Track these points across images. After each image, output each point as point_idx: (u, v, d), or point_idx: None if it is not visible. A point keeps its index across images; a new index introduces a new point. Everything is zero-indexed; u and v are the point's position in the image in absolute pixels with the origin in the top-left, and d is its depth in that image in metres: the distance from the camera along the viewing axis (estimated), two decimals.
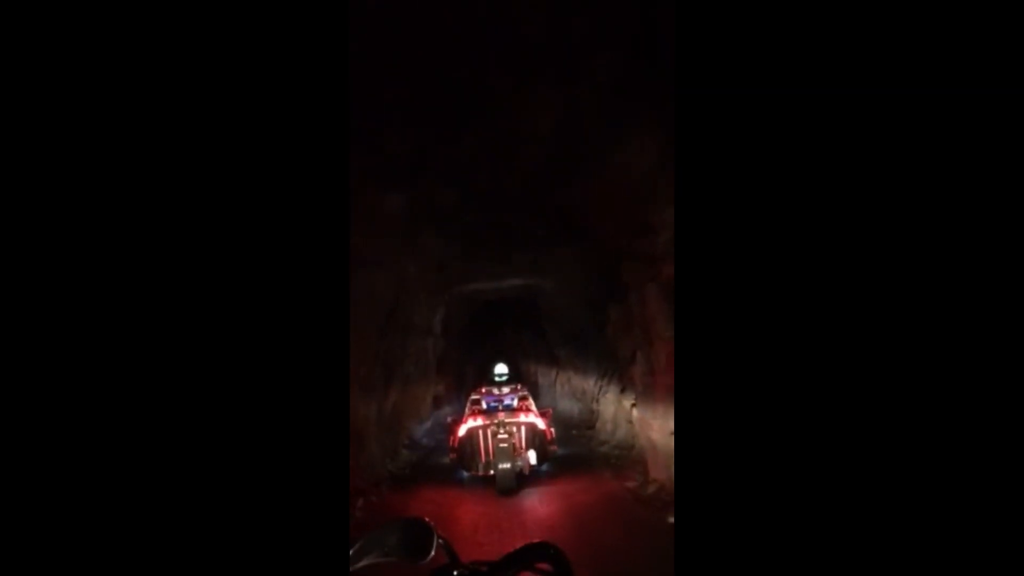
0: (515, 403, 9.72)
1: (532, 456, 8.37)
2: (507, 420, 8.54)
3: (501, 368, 15.82)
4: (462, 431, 8.70)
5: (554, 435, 9.08)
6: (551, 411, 10.13)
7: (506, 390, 10.47)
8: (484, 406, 9.71)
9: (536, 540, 1.29)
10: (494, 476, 8.00)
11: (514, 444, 8.25)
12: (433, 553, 1.26)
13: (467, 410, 9.68)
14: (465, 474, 8.63)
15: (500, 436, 8.20)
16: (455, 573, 1.25)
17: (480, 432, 8.43)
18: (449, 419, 10.67)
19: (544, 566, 1.23)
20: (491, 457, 8.21)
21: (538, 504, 7.38)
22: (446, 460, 9.34)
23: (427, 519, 1.32)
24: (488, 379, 11.99)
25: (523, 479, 8.18)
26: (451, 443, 9.06)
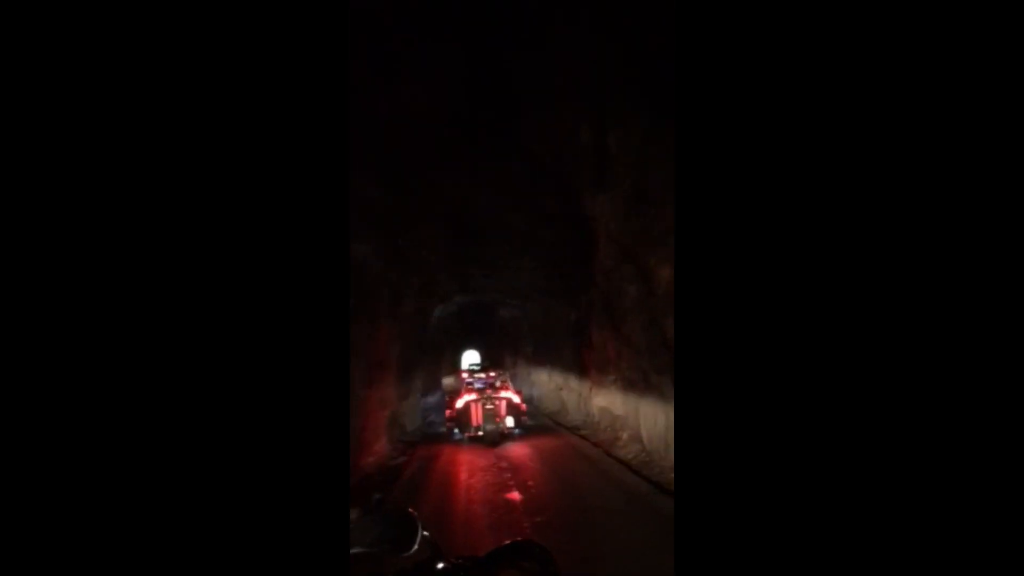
0: (498, 383, 13.72)
1: (510, 421, 12.31)
2: (492, 395, 12.54)
3: (473, 358, 18.88)
4: (459, 404, 12.57)
5: (526, 408, 13.23)
6: (522, 391, 14.76)
7: (493, 374, 14.42)
8: (476, 386, 13.44)
9: (520, 539, 1.32)
10: (482, 435, 11.86)
11: (497, 412, 12.14)
12: (416, 547, 1.25)
13: (463, 389, 13.50)
14: (459, 434, 12.47)
15: (487, 407, 12.07)
16: (439, 567, 1.23)
17: (472, 404, 12.25)
18: (447, 397, 14.75)
19: (529, 564, 1.24)
20: (480, 422, 11.99)
21: (515, 449, 11.38)
22: (443, 429, 13.41)
23: (412, 511, 1.32)
24: (467, 367, 16.21)
25: (504, 437, 12.03)
26: (448, 414, 13.02)
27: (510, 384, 14.01)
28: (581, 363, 12.70)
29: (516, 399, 12.63)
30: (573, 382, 13.78)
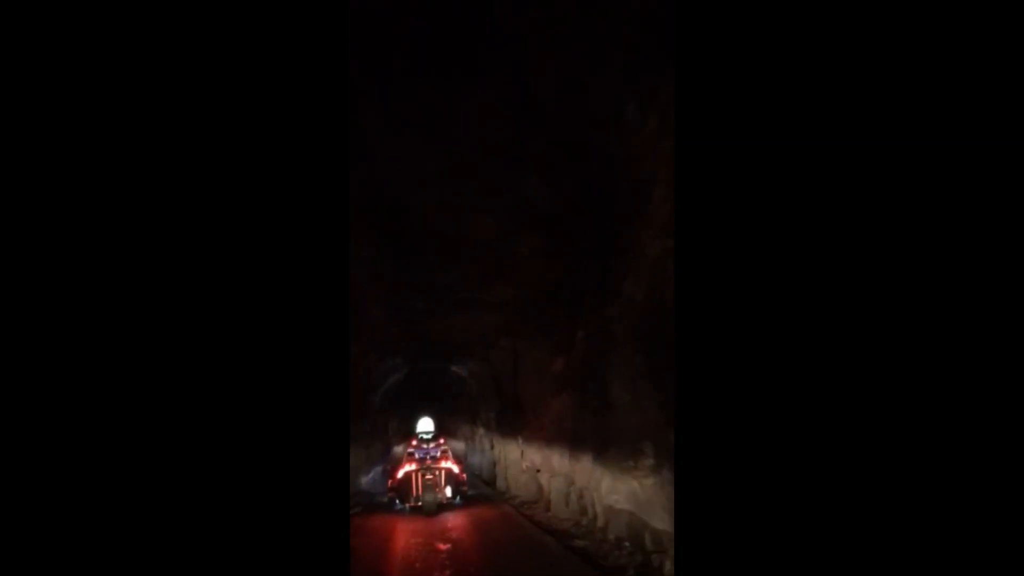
0: (438, 454, 13.03)
1: (449, 491, 12.09)
2: (432, 466, 12.23)
3: (427, 425, 17.06)
4: (400, 474, 12.19)
5: (466, 478, 12.91)
6: (463, 462, 13.96)
7: (432, 445, 13.76)
8: (417, 456, 12.90)
9: None
10: (421, 505, 11.45)
11: (437, 482, 11.86)
12: None
13: (404, 459, 13.05)
14: (399, 504, 11.96)
15: (427, 477, 11.83)
16: None
17: (413, 475, 11.94)
18: (389, 467, 14.16)
19: None
20: (420, 492, 11.65)
21: (452, 519, 10.71)
22: (384, 500, 12.73)
23: None
24: (416, 434, 15.26)
25: (442, 507, 11.69)
26: (389, 484, 12.57)
27: (450, 455, 13.57)
28: (576, 434, 8.65)
29: (456, 469, 12.66)
30: (560, 462, 9.53)
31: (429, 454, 13.08)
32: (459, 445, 17.15)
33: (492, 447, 15.39)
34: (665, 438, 5.68)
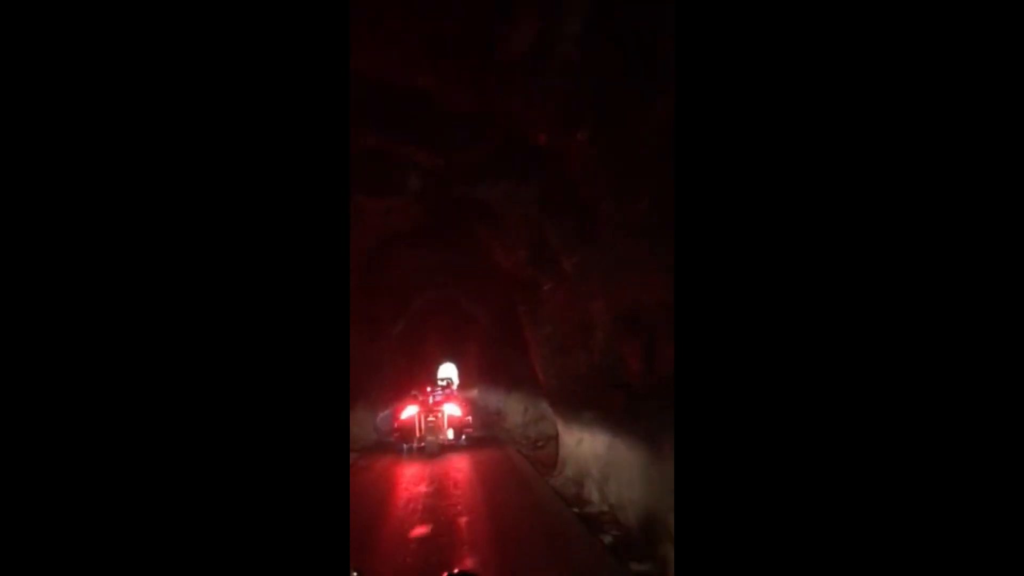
0: (440, 396, 14.09)
1: (451, 433, 12.80)
2: (434, 408, 12.94)
3: (446, 371, 18.69)
4: (403, 416, 13.03)
5: (470, 421, 13.51)
6: (468, 404, 14.79)
7: (440, 389, 14.83)
8: (420, 399, 13.81)
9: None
10: (424, 447, 12.31)
11: (439, 425, 12.58)
12: None
13: (408, 402, 13.84)
14: (405, 447, 12.80)
15: (429, 419, 12.55)
16: None
17: (416, 416, 12.72)
18: (392, 410, 14.90)
19: None
20: (423, 433, 12.44)
21: (454, 460, 11.68)
22: (391, 440, 13.56)
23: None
24: (434, 380, 16.77)
25: (445, 448, 12.51)
26: (395, 426, 13.36)
27: (455, 398, 14.35)
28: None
29: (458, 412, 13.10)
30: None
31: (433, 396, 14.00)
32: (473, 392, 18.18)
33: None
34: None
